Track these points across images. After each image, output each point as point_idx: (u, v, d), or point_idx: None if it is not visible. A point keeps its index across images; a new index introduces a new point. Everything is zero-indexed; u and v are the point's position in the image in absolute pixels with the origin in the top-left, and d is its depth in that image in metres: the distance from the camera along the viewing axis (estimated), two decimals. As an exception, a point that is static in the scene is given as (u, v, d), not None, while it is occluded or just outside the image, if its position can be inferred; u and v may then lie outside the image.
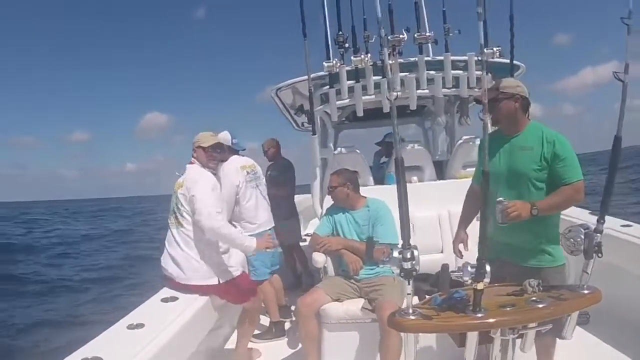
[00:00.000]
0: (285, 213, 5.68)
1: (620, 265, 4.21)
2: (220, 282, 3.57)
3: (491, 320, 2.11)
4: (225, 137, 4.68)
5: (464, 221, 3.34)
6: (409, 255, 2.06)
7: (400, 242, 2.13)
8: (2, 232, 23.97)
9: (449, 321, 2.13)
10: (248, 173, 4.70)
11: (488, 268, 2.08)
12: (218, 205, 3.54)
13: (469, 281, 2.09)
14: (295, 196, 6.39)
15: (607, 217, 4.68)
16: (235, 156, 4.75)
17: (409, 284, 2.11)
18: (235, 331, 4.10)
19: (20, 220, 33.59)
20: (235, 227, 4.58)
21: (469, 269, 2.10)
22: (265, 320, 4.74)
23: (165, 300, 3.40)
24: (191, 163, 3.76)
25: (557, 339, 3.13)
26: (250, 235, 4.58)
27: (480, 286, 2.06)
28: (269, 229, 4.73)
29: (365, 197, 3.93)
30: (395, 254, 2.10)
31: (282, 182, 5.74)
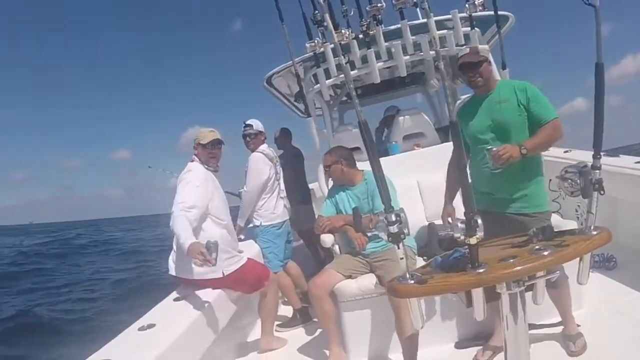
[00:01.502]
0: (297, 199, 5.69)
1: None
2: (225, 274, 3.56)
3: (491, 275, 2.02)
4: (258, 124, 4.87)
5: (450, 191, 3.40)
6: (393, 219, 1.98)
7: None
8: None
9: (447, 281, 2.05)
10: (275, 165, 4.84)
11: (480, 221, 2.00)
12: (192, 200, 3.41)
13: (462, 237, 2.00)
14: (311, 184, 6.39)
15: (622, 157, 4.59)
16: (265, 147, 4.86)
17: (398, 248, 2.03)
18: (259, 321, 4.12)
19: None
20: (256, 220, 4.71)
21: (459, 224, 2.00)
22: (289, 310, 4.77)
23: (177, 299, 3.42)
24: (192, 161, 3.75)
25: (577, 290, 3.10)
26: (264, 229, 4.62)
27: (473, 241, 1.98)
28: (286, 220, 4.88)
29: (362, 171, 3.87)
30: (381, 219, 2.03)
31: (292, 170, 5.73)
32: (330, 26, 2.57)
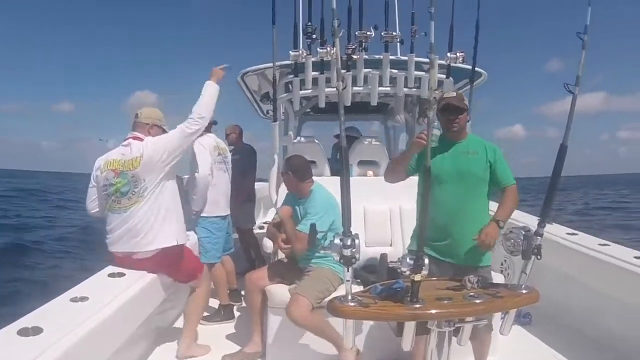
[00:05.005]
0: (243, 197, 5.69)
1: (566, 271, 4.37)
2: (178, 242, 3.55)
3: (426, 311, 2.16)
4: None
5: None
6: (349, 243, 2.09)
7: (341, 229, 2.18)
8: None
9: (385, 310, 2.18)
10: (219, 154, 4.74)
11: (426, 261, 2.13)
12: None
13: (407, 272, 2.12)
14: (256, 183, 6.42)
15: (556, 225, 4.90)
16: (212, 134, 4.78)
17: (348, 270, 2.13)
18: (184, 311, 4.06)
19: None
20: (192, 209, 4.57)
21: (408, 260, 2.13)
22: (214, 303, 4.75)
23: (112, 275, 3.36)
24: (140, 139, 3.56)
25: (493, 339, 3.28)
26: (206, 219, 4.59)
27: (417, 277, 2.11)
28: (226, 215, 4.77)
29: (312, 186, 3.92)
30: (337, 240, 2.12)
31: (242, 166, 5.74)
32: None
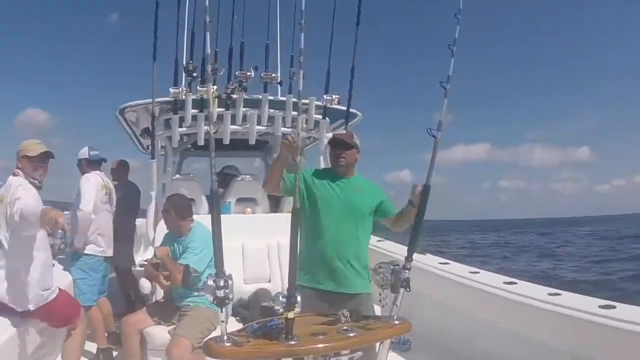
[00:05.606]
0: (124, 236, 5.50)
1: (440, 298, 4.63)
2: (32, 309, 3.30)
3: (301, 347, 2.21)
4: (83, 151, 4.67)
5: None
6: (222, 284, 2.11)
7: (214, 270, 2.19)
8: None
9: (262, 348, 2.20)
10: (106, 194, 4.61)
11: (299, 298, 2.18)
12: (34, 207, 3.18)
13: (281, 310, 2.17)
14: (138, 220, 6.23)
15: (429, 255, 5.19)
16: (98, 173, 4.66)
17: (222, 311, 2.14)
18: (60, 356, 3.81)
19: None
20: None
21: (281, 298, 2.18)
22: (92, 347, 4.52)
23: None
24: (15, 175, 3.42)
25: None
26: (92, 255, 4.46)
27: (290, 315, 2.16)
28: (105, 257, 4.62)
29: (192, 224, 3.96)
30: (210, 281, 2.13)
31: (125, 205, 5.54)
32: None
